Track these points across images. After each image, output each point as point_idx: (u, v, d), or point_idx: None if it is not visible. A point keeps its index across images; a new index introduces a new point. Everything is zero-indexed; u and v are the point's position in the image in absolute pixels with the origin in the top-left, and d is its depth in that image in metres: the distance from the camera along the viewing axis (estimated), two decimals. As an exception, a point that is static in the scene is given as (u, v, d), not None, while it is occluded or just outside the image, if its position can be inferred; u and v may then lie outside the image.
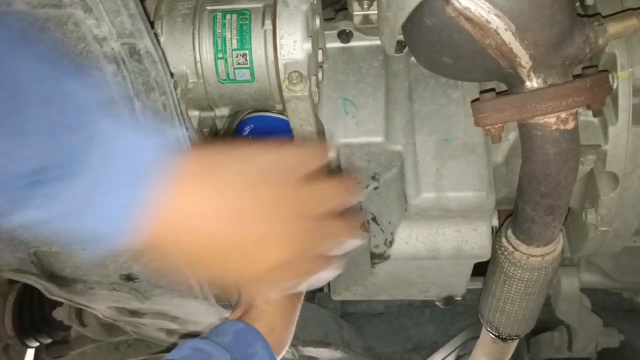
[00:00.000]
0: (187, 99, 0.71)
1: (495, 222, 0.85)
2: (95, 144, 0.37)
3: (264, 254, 0.42)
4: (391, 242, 0.80)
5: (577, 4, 0.73)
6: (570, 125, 0.63)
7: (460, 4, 0.57)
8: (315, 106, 0.75)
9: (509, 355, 1.00)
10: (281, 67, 0.69)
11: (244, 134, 0.80)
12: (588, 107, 0.64)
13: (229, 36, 0.68)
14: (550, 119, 0.62)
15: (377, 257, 0.82)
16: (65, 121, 0.36)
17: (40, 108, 0.35)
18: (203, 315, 0.87)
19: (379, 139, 0.75)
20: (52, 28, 0.48)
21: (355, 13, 0.77)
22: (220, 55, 0.68)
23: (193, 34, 0.69)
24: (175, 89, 0.58)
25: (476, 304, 0.93)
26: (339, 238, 0.48)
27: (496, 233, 0.82)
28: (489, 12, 0.57)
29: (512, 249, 0.77)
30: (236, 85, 0.71)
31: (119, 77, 0.52)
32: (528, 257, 0.76)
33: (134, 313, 0.90)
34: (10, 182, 0.36)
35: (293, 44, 0.68)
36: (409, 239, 0.79)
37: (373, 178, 0.79)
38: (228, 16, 0.68)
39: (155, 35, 0.60)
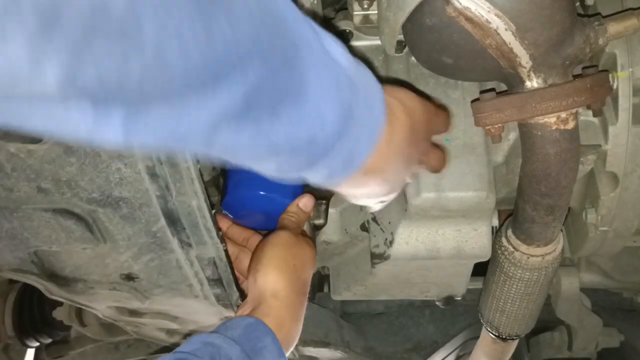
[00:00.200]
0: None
1: (496, 222, 0.85)
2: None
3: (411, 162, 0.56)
4: (391, 242, 0.80)
5: (577, 3, 0.73)
6: (571, 125, 0.63)
7: (461, 3, 0.57)
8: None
9: (509, 355, 1.00)
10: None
11: None
12: (588, 107, 0.64)
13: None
14: (551, 119, 0.62)
15: (377, 257, 0.83)
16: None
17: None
18: (203, 315, 0.87)
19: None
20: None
21: (355, 13, 0.77)
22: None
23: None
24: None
25: (476, 304, 0.93)
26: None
27: (496, 233, 0.82)
28: (489, 12, 0.57)
29: (512, 249, 0.77)
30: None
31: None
32: (528, 257, 0.76)
33: (134, 313, 0.90)
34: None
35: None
36: (409, 239, 0.79)
37: (373, 178, 0.79)
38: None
39: None
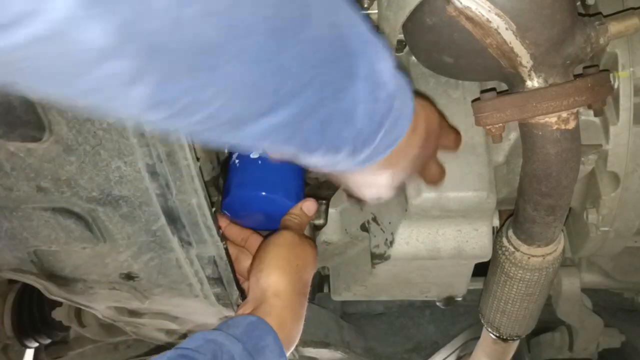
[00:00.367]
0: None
1: (496, 222, 0.85)
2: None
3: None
4: (391, 242, 0.80)
5: (578, 3, 0.72)
6: (571, 124, 0.63)
7: (461, 3, 0.57)
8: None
9: (510, 355, 1.00)
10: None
11: None
12: (589, 107, 0.64)
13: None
14: (551, 119, 0.62)
15: (377, 257, 0.82)
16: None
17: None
18: (203, 315, 0.87)
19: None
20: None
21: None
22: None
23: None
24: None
25: (477, 304, 0.93)
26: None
27: (497, 233, 0.82)
28: (489, 11, 0.57)
29: (512, 249, 0.77)
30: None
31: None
32: (529, 258, 0.76)
33: (133, 313, 0.90)
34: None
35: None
36: (409, 239, 0.79)
37: (373, 178, 0.79)
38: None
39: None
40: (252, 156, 0.77)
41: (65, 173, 0.59)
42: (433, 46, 0.65)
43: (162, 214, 0.63)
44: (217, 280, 0.72)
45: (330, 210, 0.89)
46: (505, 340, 0.92)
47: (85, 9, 0.26)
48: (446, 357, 1.25)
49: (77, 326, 1.32)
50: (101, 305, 0.88)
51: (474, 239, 0.78)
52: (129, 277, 0.74)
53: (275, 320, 0.62)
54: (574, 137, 0.64)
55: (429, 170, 0.65)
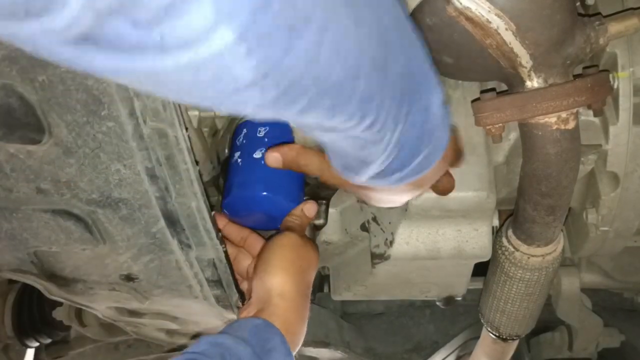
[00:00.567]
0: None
1: (496, 222, 0.85)
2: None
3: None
4: (391, 242, 0.80)
5: (578, 3, 0.72)
6: (571, 125, 0.63)
7: (461, 3, 0.57)
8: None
9: (510, 355, 1.00)
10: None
11: (241, 135, 0.79)
12: (589, 107, 0.64)
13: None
14: (551, 119, 0.62)
15: (377, 257, 0.82)
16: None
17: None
18: (203, 315, 0.87)
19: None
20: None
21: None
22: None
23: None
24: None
25: (476, 304, 0.93)
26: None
27: (497, 233, 0.82)
28: (489, 11, 0.56)
29: (512, 249, 0.77)
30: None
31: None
32: (529, 257, 0.76)
33: (133, 313, 0.90)
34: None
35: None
36: (409, 239, 0.79)
37: (373, 178, 0.79)
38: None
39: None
40: (255, 156, 0.76)
41: (65, 175, 0.59)
42: (433, 46, 0.65)
43: (162, 216, 0.62)
44: (216, 283, 0.72)
45: (330, 210, 0.88)
46: (504, 339, 0.92)
47: (240, 45, 0.30)
48: (446, 357, 1.26)
49: (77, 326, 1.32)
50: (101, 305, 0.88)
51: (474, 239, 0.78)
52: (128, 278, 0.74)
53: (281, 322, 0.62)
54: (574, 137, 0.64)
55: (441, 182, 0.68)
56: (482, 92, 0.67)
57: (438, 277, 0.88)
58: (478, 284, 0.94)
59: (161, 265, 0.70)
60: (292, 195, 0.78)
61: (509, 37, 0.58)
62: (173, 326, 0.97)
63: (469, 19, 0.57)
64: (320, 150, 0.64)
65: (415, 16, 0.60)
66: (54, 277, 0.77)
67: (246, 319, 0.62)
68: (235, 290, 0.74)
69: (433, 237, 0.79)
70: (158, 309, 0.86)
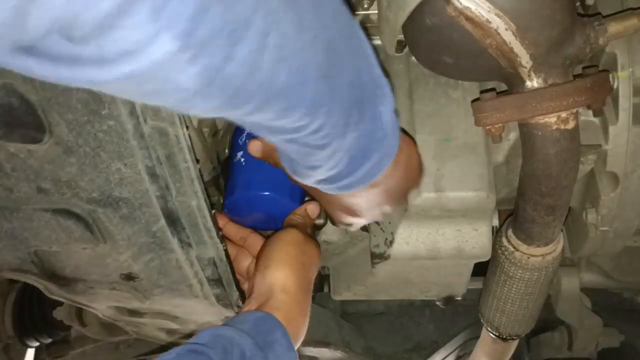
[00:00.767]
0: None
1: (496, 222, 0.85)
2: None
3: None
4: (391, 242, 0.80)
5: (578, 3, 0.72)
6: (571, 125, 0.63)
7: (461, 3, 0.57)
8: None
9: (509, 355, 1.00)
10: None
11: (243, 134, 0.79)
12: (588, 107, 0.64)
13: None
14: (551, 119, 0.62)
15: (377, 257, 0.82)
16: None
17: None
18: (203, 315, 0.87)
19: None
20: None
21: (355, 13, 0.77)
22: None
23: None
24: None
25: (476, 303, 0.93)
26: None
27: (496, 233, 0.82)
28: (489, 11, 0.57)
29: (512, 249, 0.77)
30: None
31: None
32: (528, 257, 0.76)
33: (134, 312, 0.90)
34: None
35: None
36: (409, 239, 0.79)
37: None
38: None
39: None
40: None
41: (66, 174, 0.59)
42: (433, 46, 0.65)
43: (162, 215, 0.63)
44: (216, 282, 0.72)
45: (330, 210, 0.89)
46: (504, 339, 0.92)
47: (183, 53, 0.30)
48: (446, 357, 1.26)
49: (78, 325, 1.32)
50: (102, 305, 0.88)
51: (474, 239, 0.78)
52: (129, 277, 0.74)
53: (282, 315, 0.62)
54: (574, 137, 0.64)
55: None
56: (482, 92, 0.67)
57: (438, 277, 0.88)
58: (478, 284, 0.94)
59: (161, 264, 0.70)
60: (295, 196, 0.78)
61: (508, 37, 0.58)
62: (173, 326, 0.97)
63: (468, 19, 0.58)
64: None
65: (415, 16, 0.60)
66: (54, 276, 0.77)
67: (248, 312, 0.62)
68: (235, 289, 0.74)
69: (433, 237, 0.79)
70: (158, 308, 0.86)
